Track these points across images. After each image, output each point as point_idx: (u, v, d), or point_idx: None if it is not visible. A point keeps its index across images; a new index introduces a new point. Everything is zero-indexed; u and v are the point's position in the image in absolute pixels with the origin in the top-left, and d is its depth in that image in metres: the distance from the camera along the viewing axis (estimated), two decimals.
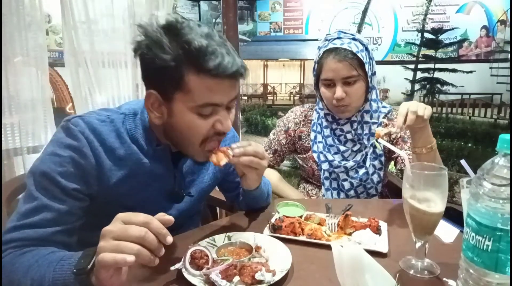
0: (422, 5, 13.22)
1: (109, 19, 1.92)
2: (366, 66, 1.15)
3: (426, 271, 0.68)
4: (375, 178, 1.24)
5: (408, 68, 12.59)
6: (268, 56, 14.47)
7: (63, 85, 3.91)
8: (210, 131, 0.74)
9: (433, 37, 12.16)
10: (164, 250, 0.56)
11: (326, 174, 1.26)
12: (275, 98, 14.19)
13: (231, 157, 0.77)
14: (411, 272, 0.68)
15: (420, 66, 12.57)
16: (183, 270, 0.65)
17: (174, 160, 0.84)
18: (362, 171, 1.23)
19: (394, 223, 0.90)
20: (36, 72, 1.65)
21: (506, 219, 0.49)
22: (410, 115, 0.91)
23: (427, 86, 11.99)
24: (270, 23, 15.37)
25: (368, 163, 1.23)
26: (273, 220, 0.86)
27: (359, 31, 11.28)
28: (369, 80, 1.18)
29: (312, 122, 1.32)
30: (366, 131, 1.23)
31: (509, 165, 0.50)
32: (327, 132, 1.27)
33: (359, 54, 1.13)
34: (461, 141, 6.22)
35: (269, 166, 1.38)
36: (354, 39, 1.17)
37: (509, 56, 12.36)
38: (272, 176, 1.31)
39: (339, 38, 1.17)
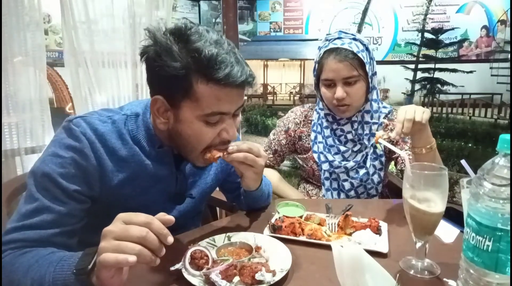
0: (422, 5, 13.21)
1: (109, 19, 1.92)
2: (367, 66, 1.15)
3: (426, 271, 0.68)
4: (376, 178, 1.24)
5: (408, 68, 12.59)
6: (268, 56, 14.46)
7: (63, 85, 3.90)
8: (216, 139, 0.74)
9: (433, 37, 12.15)
10: (165, 250, 0.56)
11: (326, 174, 1.26)
12: (275, 98, 14.19)
13: (225, 152, 0.76)
14: (411, 272, 0.68)
15: (420, 66, 12.56)
16: (183, 270, 0.65)
17: (176, 161, 0.83)
18: (362, 171, 1.23)
19: (394, 223, 0.90)
20: (34, 72, 1.66)
21: (506, 219, 0.49)
22: (406, 123, 0.92)
23: (427, 86, 11.98)
24: (270, 23, 15.37)
25: (368, 163, 1.23)
26: (273, 220, 0.86)
27: (359, 31, 11.27)
28: (370, 80, 1.18)
29: (312, 122, 1.32)
30: (367, 131, 1.23)
31: (509, 165, 0.50)
32: (327, 132, 1.27)
33: (359, 54, 1.13)
34: (461, 141, 6.21)
35: (269, 166, 1.38)
36: (354, 39, 1.17)
37: (509, 56, 12.36)
38: (272, 176, 1.31)
39: (339, 38, 1.17)
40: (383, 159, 1.24)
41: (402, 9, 14.03)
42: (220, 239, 0.79)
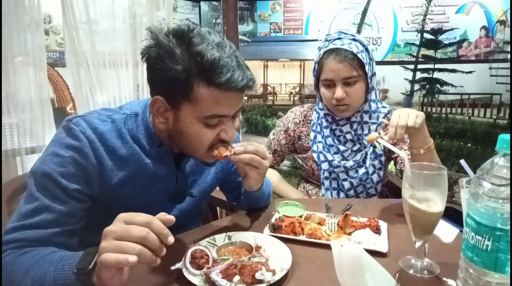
0: (422, 6, 13.24)
1: (109, 19, 1.92)
2: (366, 67, 1.16)
3: (425, 271, 0.68)
4: (375, 177, 1.24)
5: (408, 69, 12.60)
6: (268, 56, 14.48)
7: (64, 85, 3.90)
8: (215, 139, 0.75)
9: (433, 37, 12.17)
10: (165, 250, 0.56)
11: (326, 174, 1.27)
12: (275, 98, 14.20)
13: (231, 152, 0.77)
14: (411, 271, 0.69)
15: (419, 66, 12.58)
16: (184, 269, 0.65)
17: (176, 160, 0.83)
18: (362, 170, 1.23)
19: (393, 222, 0.90)
20: (35, 72, 1.66)
21: (505, 219, 0.50)
22: (399, 130, 0.93)
23: (427, 86, 11.99)
24: (270, 23, 15.39)
25: (368, 162, 1.23)
26: (273, 220, 0.86)
27: (358, 31, 11.26)
28: (369, 80, 1.19)
29: (312, 122, 1.32)
30: (366, 131, 1.23)
31: (508, 165, 0.51)
32: (326, 132, 1.27)
33: (359, 55, 1.14)
34: (461, 141, 6.22)
35: (269, 166, 1.38)
36: (354, 39, 1.17)
37: (508, 56, 12.38)
38: (272, 176, 1.31)
39: (339, 38, 1.18)
40: (382, 158, 1.24)
41: (402, 10, 14.06)
42: (220, 238, 0.79)
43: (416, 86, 12.57)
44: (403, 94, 13.00)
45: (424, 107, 11.33)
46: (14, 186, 0.96)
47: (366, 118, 1.24)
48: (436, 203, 0.66)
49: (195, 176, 0.90)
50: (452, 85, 11.60)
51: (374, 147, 1.23)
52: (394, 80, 12.67)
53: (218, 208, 1.31)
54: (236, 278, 0.64)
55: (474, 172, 0.57)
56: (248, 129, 8.22)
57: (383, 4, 13.70)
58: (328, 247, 0.67)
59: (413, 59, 13.00)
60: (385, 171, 1.30)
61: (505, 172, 0.50)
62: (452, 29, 12.28)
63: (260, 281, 0.63)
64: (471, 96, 11.54)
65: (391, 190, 1.37)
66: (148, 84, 0.75)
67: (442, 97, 11.84)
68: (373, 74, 1.21)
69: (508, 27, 12.80)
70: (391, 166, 1.39)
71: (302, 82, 14.81)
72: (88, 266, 0.55)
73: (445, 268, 0.68)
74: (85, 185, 0.72)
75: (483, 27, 13.56)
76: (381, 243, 0.77)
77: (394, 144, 1.22)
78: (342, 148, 1.25)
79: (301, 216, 0.91)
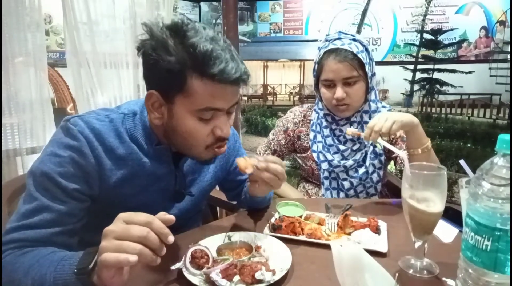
0: (422, 6, 13.25)
1: (110, 19, 1.92)
2: (366, 67, 1.16)
3: (425, 271, 0.68)
4: (375, 177, 1.24)
5: (408, 69, 12.61)
6: (268, 57, 14.49)
7: (64, 86, 3.90)
8: (210, 136, 0.74)
9: (433, 37, 12.18)
10: (166, 250, 0.56)
11: (326, 173, 1.27)
12: (275, 98, 14.21)
13: (256, 168, 0.79)
14: (411, 271, 0.69)
15: (419, 66, 12.59)
16: (184, 269, 0.65)
17: (174, 159, 0.83)
18: (361, 170, 1.24)
19: (393, 222, 0.90)
20: (35, 73, 1.66)
21: (505, 219, 0.50)
22: (373, 134, 0.95)
23: (427, 86, 12.00)
24: (270, 24, 15.40)
25: (368, 162, 1.24)
26: (273, 220, 0.86)
27: (358, 31, 11.28)
28: (369, 80, 1.19)
29: (311, 122, 1.32)
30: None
31: (508, 165, 0.51)
32: (326, 132, 1.28)
33: (359, 55, 1.14)
34: (460, 141, 6.22)
35: None
36: (354, 40, 1.17)
37: (508, 57, 12.40)
38: None
39: (339, 39, 1.18)
40: (382, 158, 1.24)
41: (401, 10, 14.07)
42: (220, 238, 0.79)
43: (416, 86, 12.59)
44: (403, 94, 13.01)
45: (424, 107, 11.34)
46: (14, 186, 0.96)
47: (366, 118, 1.24)
48: (435, 203, 0.66)
49: (194, 175, 0.90)
50: (451, 85, 11.61)
51: (374, 146, 1.23)
52: (394, 80, 12.69)
53: (218, 208, 1.31)
54: (236, 278, 0.64)
55: (474, 172, 0.57)
56: (248, 129, 8.22)
57: (383, 4, 13.71)
58: (328, 247, 0.67)
59: (413, 60, 13.01)
60: (385, 171, 1.30)
61: (505, 172, 0.51)
62: (451, 30, 12.30)
63: (260, 281, 0.63)
64: (471, 97, 11.55)
65: (391, 190, 1.37)
66: (144, 81, 0.75)
67: (441, 97, 11.85)
68: (373, 74, 1.21)
69: (508, 27, 12.81)
70: (390, 166, 1.39)
71: (302, 83, 14.82)
72: (88, 266, 0.55)
73: (444, 268, 0.68)
74: (84, 184, 0.72)
75: (483, 28, 13.58)
76: (380, 243, 0.77)
77: (394, 144, 1.23)
78: (342, 147, 1.25)
79: (301, 216, 0.91)
